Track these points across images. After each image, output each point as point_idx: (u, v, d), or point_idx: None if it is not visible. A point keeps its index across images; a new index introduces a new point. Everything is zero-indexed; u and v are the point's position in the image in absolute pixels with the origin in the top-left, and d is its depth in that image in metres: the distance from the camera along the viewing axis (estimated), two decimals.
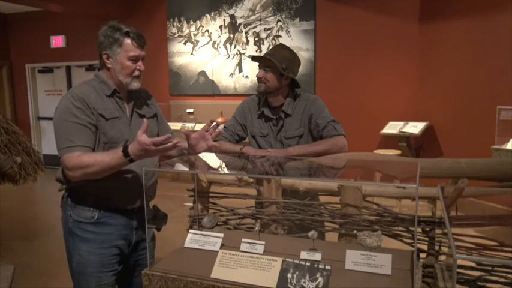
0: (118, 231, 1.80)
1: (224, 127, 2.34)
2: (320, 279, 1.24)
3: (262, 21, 6.33)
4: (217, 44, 6.66)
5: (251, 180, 1.94)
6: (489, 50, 4.57)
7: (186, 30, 6.82)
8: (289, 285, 1.25)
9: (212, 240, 1.51)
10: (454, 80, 5.03)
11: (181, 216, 2.02)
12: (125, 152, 1.57)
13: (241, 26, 6.47)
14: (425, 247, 1.59)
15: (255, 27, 6.38)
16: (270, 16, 6.26)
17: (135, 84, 1.77)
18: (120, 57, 1.72)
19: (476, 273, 1.45)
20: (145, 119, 1.60)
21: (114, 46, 1.71)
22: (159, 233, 1.98)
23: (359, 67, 5.85)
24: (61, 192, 1.85)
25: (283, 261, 1.32)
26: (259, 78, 2.18)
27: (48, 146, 8.24)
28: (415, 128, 5.18)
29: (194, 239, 1.54)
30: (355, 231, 1.60)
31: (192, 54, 6.83)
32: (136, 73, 1.76)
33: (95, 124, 1.69)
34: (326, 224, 1.78)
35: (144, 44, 1.77)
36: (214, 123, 1.83)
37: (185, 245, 1.54)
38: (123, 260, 1.85)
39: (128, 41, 1.72)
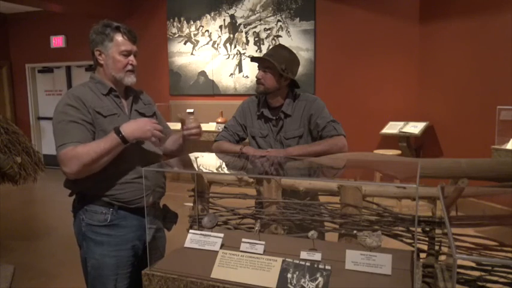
0: (132, 232, 1.79)
1: (224, 127, 2.35)
2: (320, 279, 1.24)
3: (262, 21, 6.33)
4: (217, 44, 6.65)
5: (251, 180, 1.94)
6: (489, 50, 4.56)
7: (186, 30, 6.82)
8: (289, 285, 1.25)
9: (212, 240, 1.51)
10: (454, 80, 5.03)
11: (181, 216, 2.02)
12: (117, 131, 1.60)
13: (241, 26, 6.46)
14: (425, 247, 1.58)
15: (255, 27, 6.38)
16: (270, 16, 6.26)
17: (129, 79, 1.79)
18: (112, 52, 1.75)
19: (476, 273, 1.45)
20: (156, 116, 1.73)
21: (105, 42, 1.74)
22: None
23: (359, 67, 5.85)
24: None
25: (283, 261, 1.31)
26: (258, 79, 2.18)
27: (48, 146, 8.24)
28: (415, 128, 5.18)
29: (194, 239, 1.54)
30: (355, 231, 1.60)
31: (192, 54, 6.83)
32: (129, 67, 1.77)
33: (90, 122, 1.69)
34: (326, 224, 1.78)
35: (135, 39, 1.79)
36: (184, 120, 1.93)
37: (185, 245, 1.54)
38: (137, 260, 1.84)
39: (119, 35, 1.75)
